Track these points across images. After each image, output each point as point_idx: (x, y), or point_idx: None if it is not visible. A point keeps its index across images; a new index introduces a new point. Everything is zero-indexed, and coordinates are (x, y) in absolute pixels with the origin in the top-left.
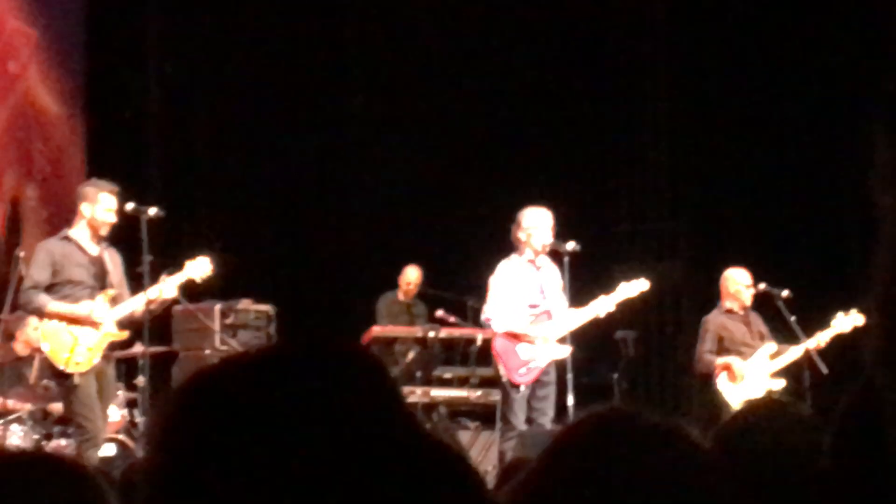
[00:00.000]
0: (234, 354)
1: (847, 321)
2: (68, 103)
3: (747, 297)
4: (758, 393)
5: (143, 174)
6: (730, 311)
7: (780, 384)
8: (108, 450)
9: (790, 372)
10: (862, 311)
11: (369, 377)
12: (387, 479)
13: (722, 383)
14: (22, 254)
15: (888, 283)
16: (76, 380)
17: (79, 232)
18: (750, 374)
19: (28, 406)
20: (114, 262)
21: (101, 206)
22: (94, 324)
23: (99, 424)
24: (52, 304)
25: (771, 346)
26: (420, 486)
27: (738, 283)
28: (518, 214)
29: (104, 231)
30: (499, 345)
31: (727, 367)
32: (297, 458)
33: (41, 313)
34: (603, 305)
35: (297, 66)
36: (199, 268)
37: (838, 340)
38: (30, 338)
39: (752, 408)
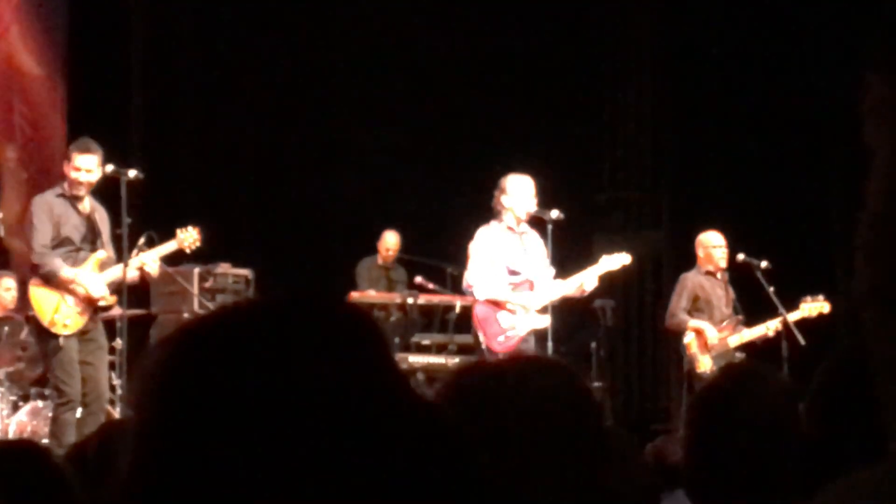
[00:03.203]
0: (218, 308)
1: (814, 307)
2: (50, 65)
3: (719, 258)
4: (720, 363)
5: (124, 137)
6: (709, 273)
7: (742, 357)
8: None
9: (768, 343)
10: (828, 298)
11: (359, 330)
12: (375, 435)
13: (690, 344)
14: (0, 215)
15: (876, 223)
16: (61, 342)
17: (68, 187)
18: (719, 343)
19: (5, 367)
20: (102, 220)
21: (71, 164)
22: (91, 300)
23: (78, 388)
24: (65, 269)
25: (735, 318)
26: (410, 446)
27: (707, 246)
28: (501, 181)
29: (77, 190)
30: (479, 311)
31: (699, 332)
32: (283, 414)
33: (54, 277)
34: (589, 276)
35: (279, 31)
36: (189, 238)
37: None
38: (3, 299)
39: (730, 374)
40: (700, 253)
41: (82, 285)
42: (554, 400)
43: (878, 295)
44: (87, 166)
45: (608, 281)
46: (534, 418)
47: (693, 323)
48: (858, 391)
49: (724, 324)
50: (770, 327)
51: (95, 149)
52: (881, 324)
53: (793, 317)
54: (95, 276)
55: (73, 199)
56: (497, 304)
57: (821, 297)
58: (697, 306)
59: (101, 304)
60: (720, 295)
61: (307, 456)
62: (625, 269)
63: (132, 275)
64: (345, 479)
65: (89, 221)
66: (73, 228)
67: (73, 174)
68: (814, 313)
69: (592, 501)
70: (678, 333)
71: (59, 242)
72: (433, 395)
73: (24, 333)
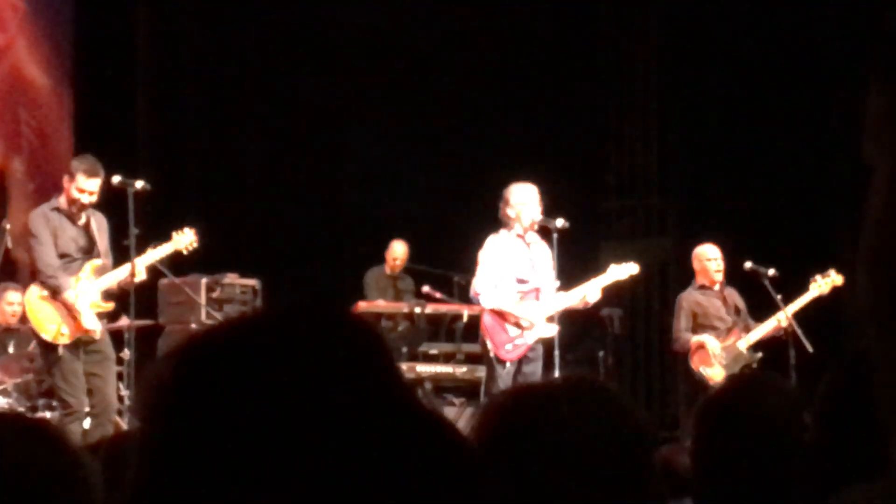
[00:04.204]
0: (225, 320)
1: (825, 283)
2: (56, 76)
3: (715, 270)
4: (735, 368)
5: (131, 147)
6: (703, 287)
7: (758, 356)
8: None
9: (775, 351)
10: (839, 270)
11: (364, 342)
12: (380, 447)
13: (696, 362)
14: (8, 226)
15: (877, 238)
16: (60, 352)
17: (65, 202)
18: (725, 353)
19: (13, 378)
20: (100, 227)
21: (75, 184)
22: (81, 328)
23: (82, 399)
24: (70, 292)
25: (745, 320)
26: (415, 458)
27: (702, 259)
28: (505, 192)
29: (76, 208)
30: (487, 320)
31: (701, 346)
32: (289, 426)
33: (59, 293)
34: (592, 288)
35: (287, 43)
36: (185, 239)
37: (825, 320)
38: (3, 312)
39: (734, 383)
40: (696, 266)
41: (78, 311)
42: (609, 433)
43: (880, 310)
44: (92, 189)
45: (615, 289)
46: (586, 450)
47: (695, 339)
48: (864, 400)
49: (732, 330)
50: (781, 319)
51: (101, 172)
52: (883, 339)
53: (806, 298)
54: (92, 284)
55: (67, 211)
56: (504, 316)
57: (831, 272)
58: (699, 322)
59: (97, 310)
60: (718, 305)
61: (312, 467)
62: (632, 278)
63: (139, 279)
64: (349, 490)
65: (86, 231)
66: (70, 240)
67: (77, 195)
68: (827, 289)
69: None
70: (686, 354)
71: (58, 255)
72: (474, 420)
73: (32, 345)
